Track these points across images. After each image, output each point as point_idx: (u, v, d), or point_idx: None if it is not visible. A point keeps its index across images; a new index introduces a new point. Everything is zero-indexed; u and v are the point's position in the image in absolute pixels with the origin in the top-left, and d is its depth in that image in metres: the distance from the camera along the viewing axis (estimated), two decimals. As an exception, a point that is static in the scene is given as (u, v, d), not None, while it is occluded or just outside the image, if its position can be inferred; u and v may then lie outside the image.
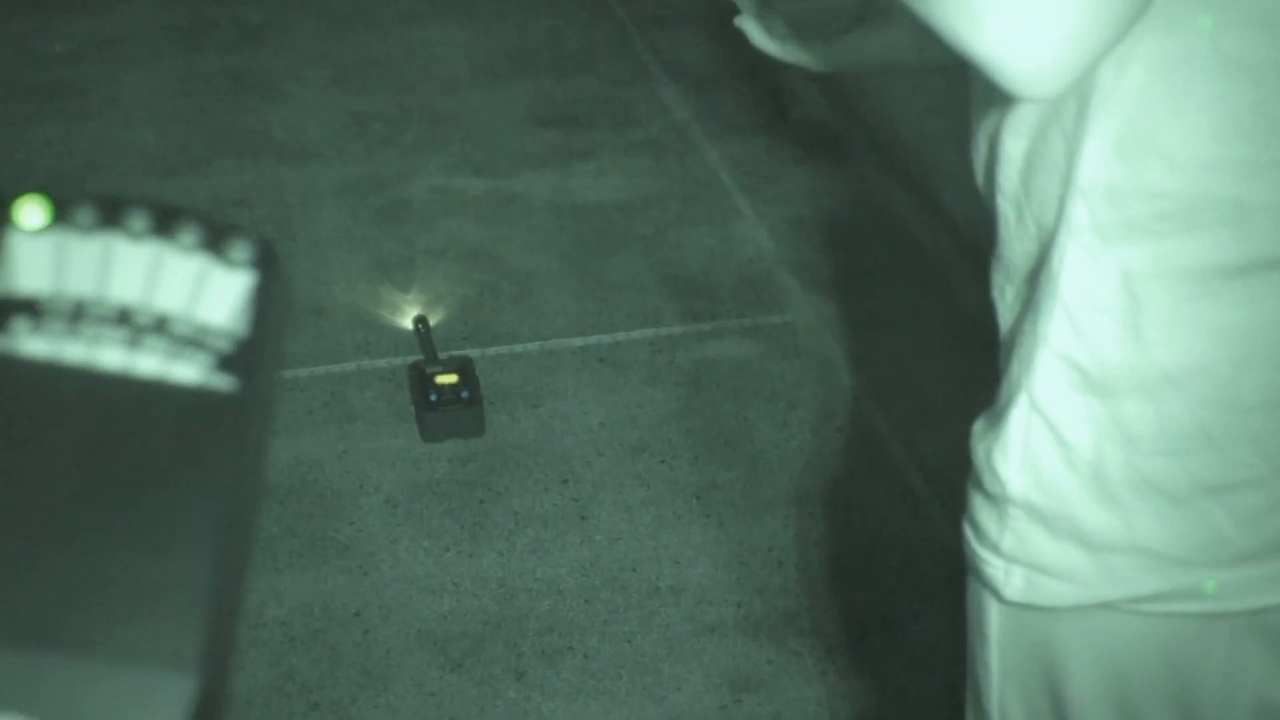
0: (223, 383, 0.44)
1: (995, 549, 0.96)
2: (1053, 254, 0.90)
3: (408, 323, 2.70)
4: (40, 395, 0.44)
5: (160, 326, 0.45)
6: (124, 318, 0.44)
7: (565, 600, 2.20)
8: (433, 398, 2.48)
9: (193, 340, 0.44)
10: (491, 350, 2.70)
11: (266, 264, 0.45)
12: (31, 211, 0.45)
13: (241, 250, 0.45)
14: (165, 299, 0.45)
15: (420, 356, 2.55)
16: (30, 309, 0.44)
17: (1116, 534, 0.90)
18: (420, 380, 2.51)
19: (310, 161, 3.32)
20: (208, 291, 0.45)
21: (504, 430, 2.51)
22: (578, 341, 2.73)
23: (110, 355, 0.44)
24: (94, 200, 0.45)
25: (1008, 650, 0.99)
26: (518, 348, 2.72)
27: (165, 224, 0.45)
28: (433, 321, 2.66)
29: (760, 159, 3.26)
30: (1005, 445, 0.94)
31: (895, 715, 2.03)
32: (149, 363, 0.44)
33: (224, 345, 0.45)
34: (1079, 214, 0.88)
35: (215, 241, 0.45)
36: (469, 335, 2.73)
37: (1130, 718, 0.97)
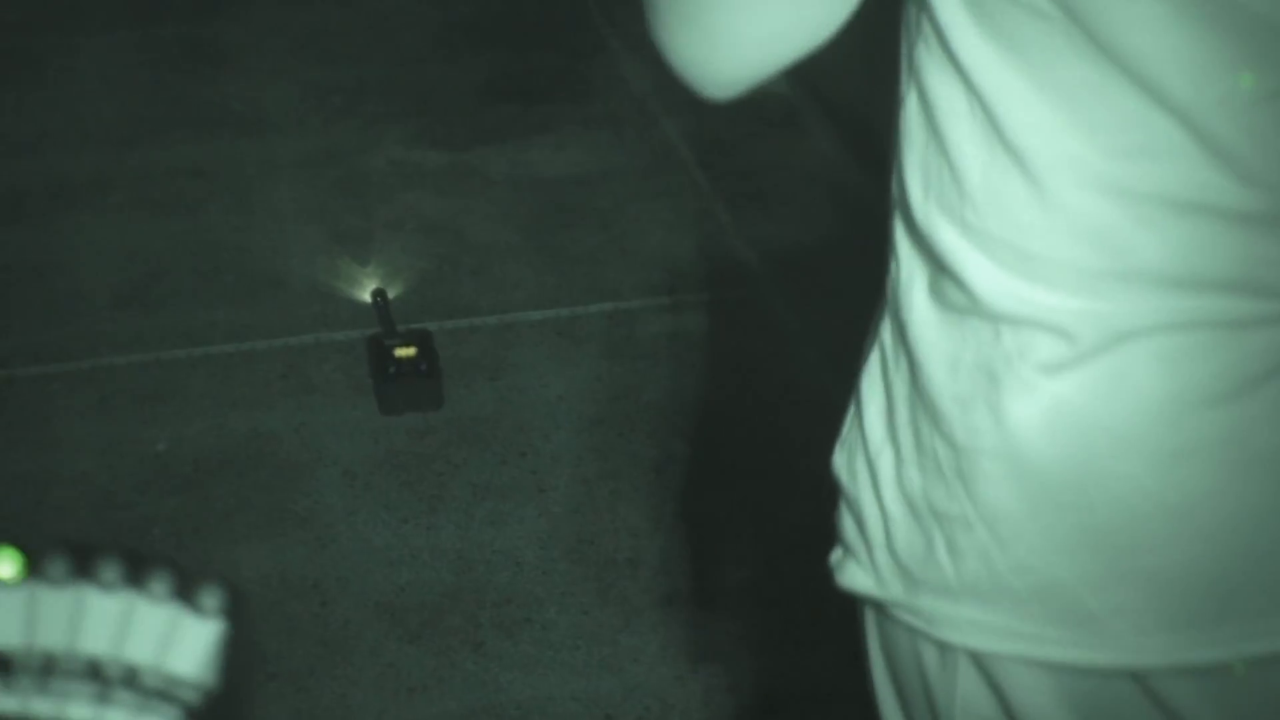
0: None
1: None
2: None
3: (366, 295, 2.70)
4: None
5: (130, 679, 0.44)
6: (94, 671, 0.44)
7: (523, 572, 2.22)
8: (391, 370, 2.48)
9: (162, 693, 0.44)
10: (450, 323, 2.70)
11: (235, 612, 0.45)
12: (4, 564, 0.45)
13: (211, 598, 0.45)
14: (135, 650, 0.44)
15: (378, 329, 2.55)
16: (1, 665, 0.44)
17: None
18: (378, 353, 2.51)
19: (268, 133, 3.30)
20: (178, 642, 0.44)
21: (462, 403, 2.52)
22: (536, 315, 2.73)
23: (79, 711, 0.44)
24: (67, 550, 0.45)
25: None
26: (476, 321, 2.72)
27: (136, 572, 0.44)
28: (391, 294, 2.66)
29: (719, 133, 3.27)
30: None
31: (852, 685, 2.05)
32: (119, 716, 0.44)
33: (192, 698, 0.44)
34: None
35: (185, 589, 0.45)
36: (427, 308, 2.73)
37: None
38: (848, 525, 0.92)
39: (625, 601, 2.16)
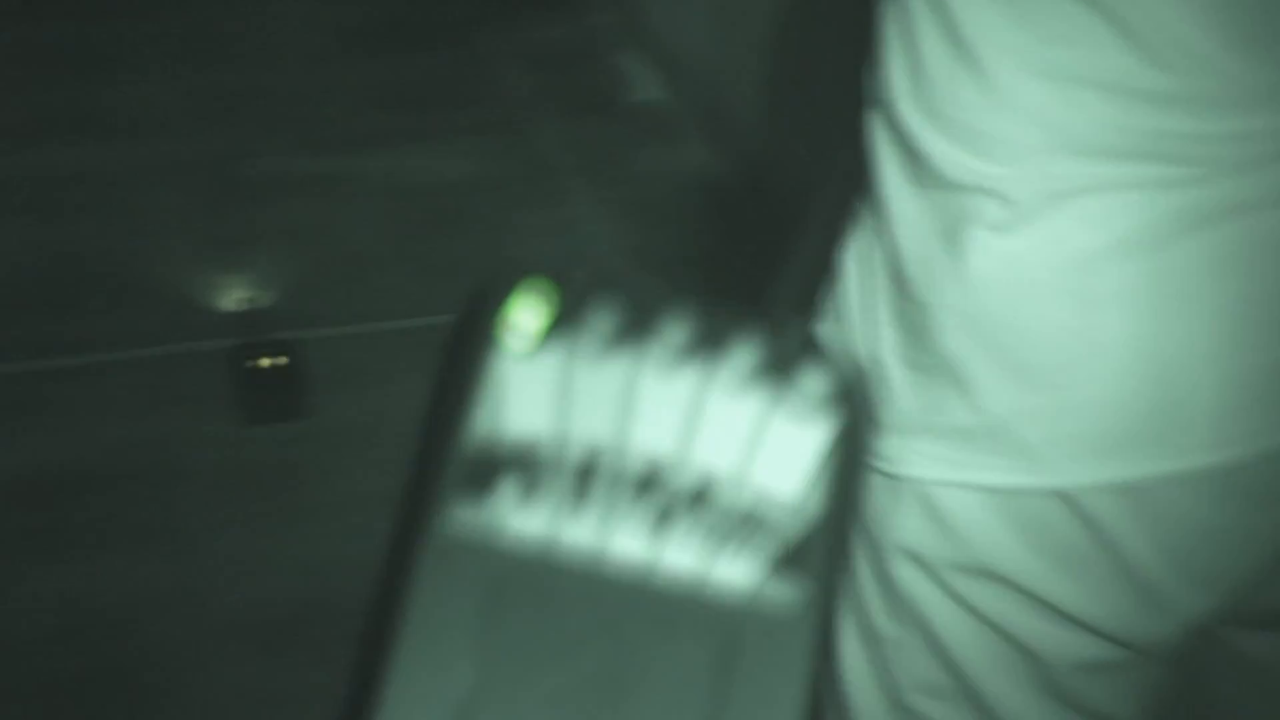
0: (781, 594, 0.30)
1: None
2: None
3: (235, 304, 2.69)
4: (534, 592, 0.30)
5: (698, 500, 0.31)
6: (649, 483, 0.31)
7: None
8: (257, 380, 2.48)
9: (745, 523, 0.30)
10: (320, 332, 2.70)
11: (852, 407, 0.31)
12: (527, 311, 0.32)
13: (820, 383, 0.30)
14: (710, 454, 0.31)
15: (246, 338, 2.55)
16: (525, 462, 0.31)
17: None
18: (244, 362, 2.51)
19: (147, 138, 3.28)
20: (770, 447, 0.30)
21: (329, 413, 2.52)
22: (408, 323, 2.74)
23: (627, 542, 0.31)
24: (617, 297, 0.31)
25: None
26: (347, 329, 2.72)
27: (713, 337, 0.30)
28: (261, 303, 2.65)
29: (599, 141, 3.29)
30: None
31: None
32: (682, 557, 0.30)
33: (789, 533, 0.30)
34: None
35: (784, 367, 0.30)
36: (298, 317, 2.73)
37: None
38: None
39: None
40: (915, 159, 0.94)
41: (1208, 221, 0.88)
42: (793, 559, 0.29)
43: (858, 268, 1.01)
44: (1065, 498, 0.93)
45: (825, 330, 1.03)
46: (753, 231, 2.99)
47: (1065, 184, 0.88)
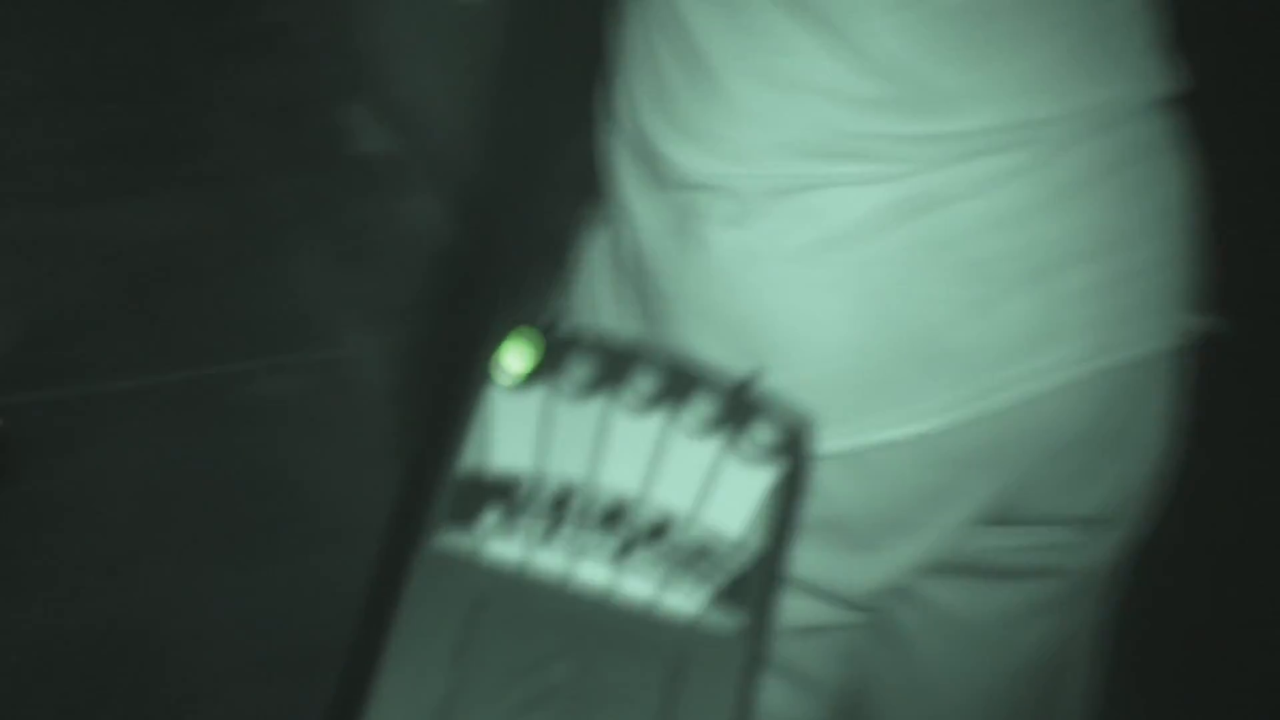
0: (722, 620, 0.34)
1: None
2: None
3: (-62, 369, 2.60)
4: (508, 610, 0.34)
5: (655, 534, 0.35)
6: (613, 517, 0.35)
7: (102, 649, 2.17)
8: (-38, 448, 2.40)
9: (694, 557, 0.35)
10: (27, 396, 2.63)
11: (794, 456, 0.33)
12: (514, 355, 0.33)
13: (765, 435, 0.33)
14: (667, 495, 0.34)
15: (-51, 405, 2.46)
16: (505, 495, 0.34)
17: None
18: (-52, 430, 2.42)
19: None
20: (720, 489, 0.35)
21: (37, 480, 2.45)
22: (124, 384, 2.68)
23: (593, 570, 0.34)
24: (595, 349, 0.33)
25: None
26: (60, 392, 2.65)
27: (677, 390, 0.33)
28: (-34, 367, 2.57)
29: (324, 192, 3.28)
30: None
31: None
32: (639, 585, 0.34)
33: (731, 568, 0.35)
34: None
35: (736, 419, 0.33)
36: (10, 381, 2.64)
37: None
38: None
39: (198, 673, 2.14)
40: (653, 161, 1.02)
41: (912, 214, 0.98)
42: (735, 589, 0.33)
43: (599, 267, 1.09)
44: None
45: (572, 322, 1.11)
46: (480, 277, 3.02)
47: (788, 181, 0.98)
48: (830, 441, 0.99)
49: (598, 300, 1.08)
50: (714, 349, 0.99)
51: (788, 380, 0.98)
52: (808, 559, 1.01)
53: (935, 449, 1.01)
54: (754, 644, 0.34)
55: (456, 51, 3.22)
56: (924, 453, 1.01)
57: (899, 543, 1.04)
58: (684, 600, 0.34)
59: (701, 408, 0.35)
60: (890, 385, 1.00)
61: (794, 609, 1.01)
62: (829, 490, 1.00)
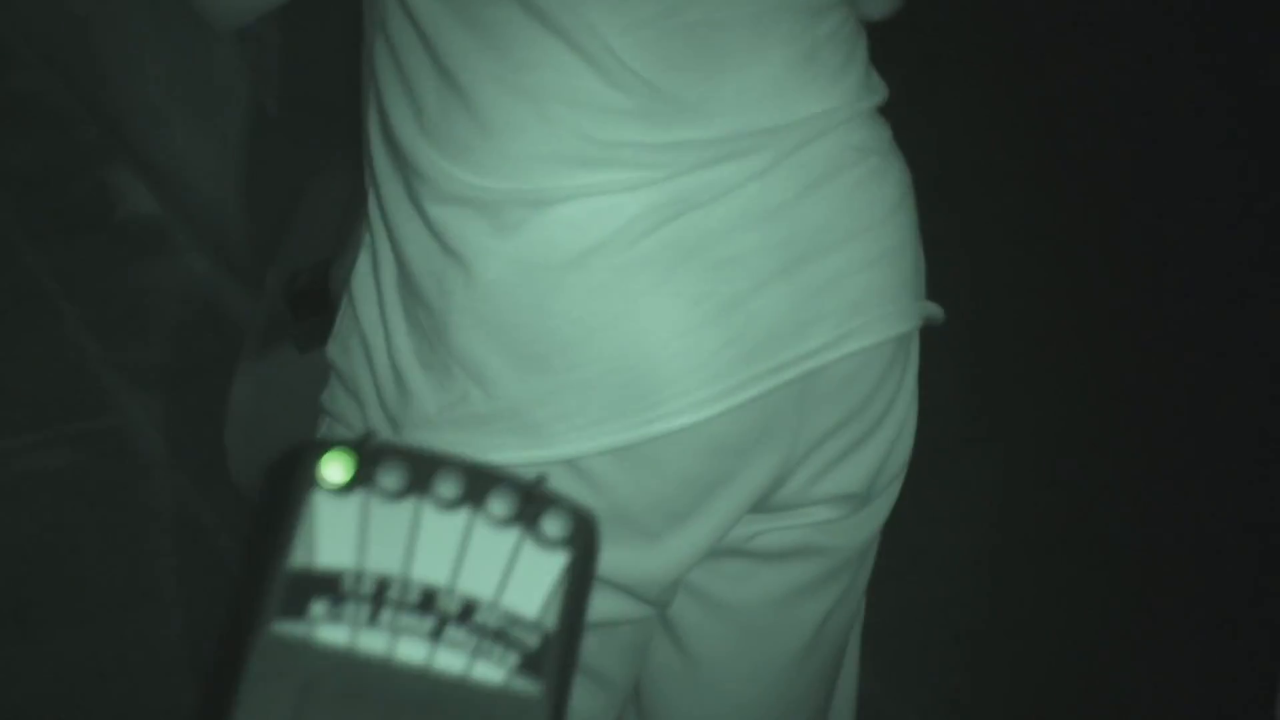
0: (525, 687, 0.40)
1: None
2: None
3: None
4: (338, 686, 0.39)
5: (465, 615, 0.40)
6: (427, 603, 0.40)
7: None
8: None
9: (499, 633, 0.40)
10: None
11: (581, 543, 0.42)
12: (334, 467, 0.40)
13: (557, 526, 0.41)
14: (472, 582, 0.40)
15: None
16: (331, 588, 0.39)
17: None
18: None
19: None
20: (517, 575, 0.40)
21: None
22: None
23: (411, 649, 0.40)
24: (403, 459, 0.40)
25: None
26: None
27: (476, 490, 0.40)
28: None
29: (87, 259, 3.23)
30: None
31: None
32: (451, 659, 0.39)
33: (530, 641, 0.40)
34: None
35: (529, 513, 0.41)
36: None
37: None
38: (339, 399, 1.15)
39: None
40: (417, 179, 1.06)
41: (667, 219, 1.05)
42: (534, 660, 0.40)
43: (367, 290, 1.13)
44: (571, 465, 1.08)
45: (334, 351, 1.16)
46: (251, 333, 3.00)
47: (547, 193, 1.04)
48: (605, 438, 1.07)
49: (366, 329, 1.12)
50: (493, 358, 1.07)
51: (564, 382, 1.07)
52: (600, 554, 1.11)
53: (706, 438, 1.08)
54: (555, 707, 0.40)
55: (214, 107, 3.22)
56: (695, 442, 1.08)
57: (682, 531, 1.11)
58: (490, 672, 0.40)
59: (499, 504, 0.41)
60: (655, 379, 1.07)
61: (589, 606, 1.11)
62: (610, 484, 1.08)
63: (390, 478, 0.41)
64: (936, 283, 1.21)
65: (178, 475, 2.64)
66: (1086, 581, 2.29)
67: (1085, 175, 2.67)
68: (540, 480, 0.43)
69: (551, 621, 0.41)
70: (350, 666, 0.40)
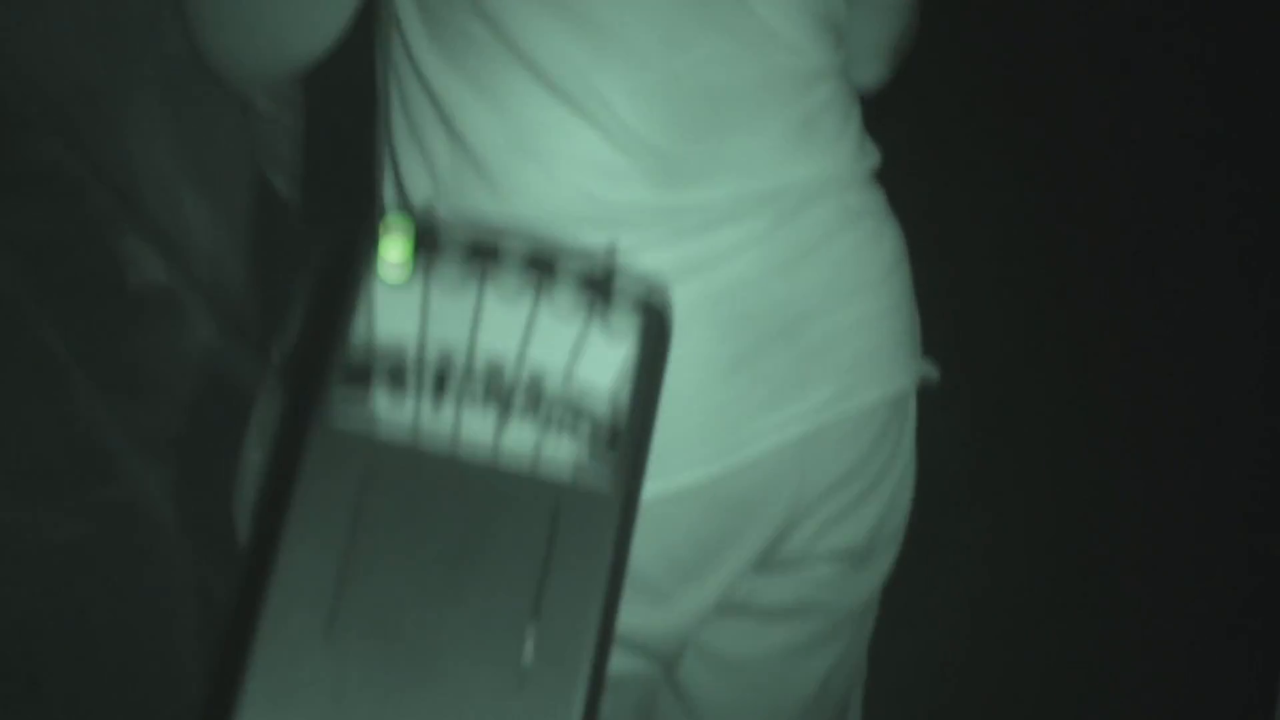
0: (594, 477, 0.38)
1: None
2: None
3: None
4: (399, 479, 0.36)
5: (532, 406, 0.38)
6: (492, 391, 0.38)
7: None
8: None
9: (566, 425, 0.38)
10: None
11: (651, 331, 0.39)
12: (393, 245, 0.37)
13: (626, 314, 0.38)
14: (538, 361, 0.38)
15: None
16: (392, 373, 0.37)
17: None
18: None
19: None
20: (587, 354, 0.38)
21: None
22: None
23: (476, 438, 0.37)
24: (460, 242, 0.37)
25: None
26: None
27: (542, 277, 0.38)
28: None
29: (98, 326, 3.26)
30: None
31: None
32: (517, 449, 0.37)
33: (599, 434, 0.38)
34: None
35: (597, 302, 0.38)
36: None
37: None
38: None
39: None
40: None
41: (671, 282, 1.08)
42: (603, 453, 0.37)
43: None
44: None
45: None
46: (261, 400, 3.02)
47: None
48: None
49: None
50: None
51: None
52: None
53: (713, 495, 1.10)
54: (630, 490, 0.38)
55: (223, 178, 3.25)
56: (703, 500, 1.10)
57: (691, 589, 1.12)
58: (559, 463, 0.38)
59: (564, 291, 0.39)
60: (665, 438, 1.09)
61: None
62: None
63: (450, 265, 0.39)
64: (929, 335, 1.24)
65: (187, 545, 2.66)
66: (1088, 628, 2.29)
67: (1083, 238, 2.68)
68: (607, 258, 0.40)
69: (621, 413, 0.39)
70: (412, 459, 0.38)
